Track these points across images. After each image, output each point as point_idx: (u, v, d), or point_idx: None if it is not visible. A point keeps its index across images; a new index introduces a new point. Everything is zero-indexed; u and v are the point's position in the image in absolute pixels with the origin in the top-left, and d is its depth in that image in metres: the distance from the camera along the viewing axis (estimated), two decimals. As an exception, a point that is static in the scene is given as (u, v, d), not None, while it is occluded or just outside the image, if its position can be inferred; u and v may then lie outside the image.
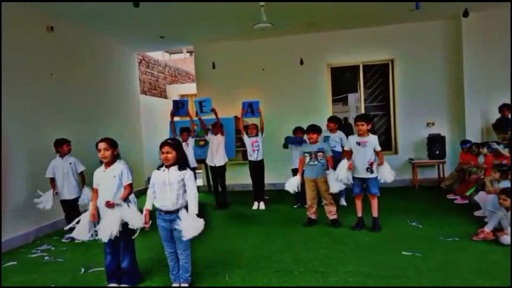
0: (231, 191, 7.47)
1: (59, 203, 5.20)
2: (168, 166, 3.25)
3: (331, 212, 5.15)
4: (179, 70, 13.31)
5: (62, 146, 5.14)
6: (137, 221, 3.26)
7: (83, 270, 3.99)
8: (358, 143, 4.74)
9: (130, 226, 3.28)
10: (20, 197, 5.12)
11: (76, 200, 5.20)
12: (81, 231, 3.43)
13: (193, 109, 7.15)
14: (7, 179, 4.93)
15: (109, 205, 3.28)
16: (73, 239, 5.01)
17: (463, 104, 7.31)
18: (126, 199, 3.39)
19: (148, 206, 3.34)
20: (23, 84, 5.32)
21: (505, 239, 4.08)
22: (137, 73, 9.12)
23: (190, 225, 3.12)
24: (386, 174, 4.77)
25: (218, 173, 6.65)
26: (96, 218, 3.44)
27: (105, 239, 3.28)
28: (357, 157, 4.77)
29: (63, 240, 5.11)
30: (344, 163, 4.81)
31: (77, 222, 3.46)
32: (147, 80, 10.70)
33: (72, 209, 5.18)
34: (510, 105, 6.67)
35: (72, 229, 5.07)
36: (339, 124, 6.30)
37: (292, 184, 5.15)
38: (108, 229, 3.26)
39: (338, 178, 4.83)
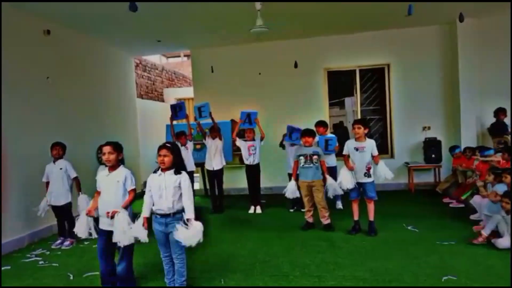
0: (227, 195, 7.46)
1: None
2: (164, 170, 3.24)
3: (325, 217, 5.17)
4: (176, 74, 13.31)
5: (52, 150, 5.03)
6: (125, 238, 3.23)
7: (72, 276, 3.95)
8: (356, 149, 4.76)
9: (114, 240, 3.24)
10: (14, 201, 5.08)
11: (66, 206, 5.06)
12: (79, 228, 3.44)
13: (192, 114, 7.14)
14: (2, 183, 4.89)
15: (109, 214, 3.25)
16: (62, 244, 5.03)
17: (458, 108, 7.34)
18: (128, 206, 3.37)
19: (145, 213, 3.28)
20: (19, 88, 5.29)
21: (500, 242, 4.09)
22: (134, 77, 9.11)
23: (188, 234, 3.10)
24: (385, 172, 4.75)
25: (215, 176, 6.64)
26: (93, 213, 3.40)
27: (123, 243, 3.24)
28: (355, 161, 4.78)
29: (52, 246, 5.03)
30: (344, 170, 4.82)
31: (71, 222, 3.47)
32: (144, 83, 10.69)
33: (63, 215, 5.09)
34: (505, 110, 6.72)
35: (62, 234, 5.09)
36: (327, 128, 6.28)
37: (291, 190, 5.26)
38: (123, 235, 3.24)
39: (343, 186, 4.83)
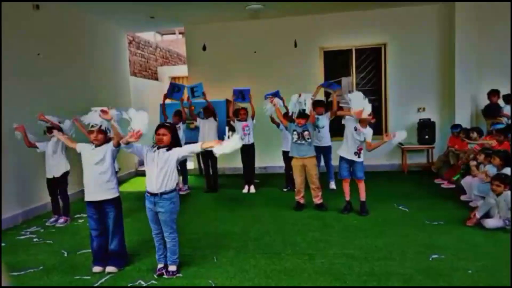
0: (221, 175, 7.49)
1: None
2: (159, 148, 3.28)
3: (317, 197, 5.23)
4: (170, 52, 13.11)
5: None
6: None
7: (66, 253, 3.99)
8: (356, 128, 4.81)
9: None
10: (8, 178, 5.07)
11: (62, 176, 5.05)
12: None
13: (185, 94, 7.07)
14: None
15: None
16: (56, 221, 5.05)
17: (453, 90, 7.32)
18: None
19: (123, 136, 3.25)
20: (8, 64, 5.18)
21: (488, 223, 4.17)
22: (127, 54, 8.96)
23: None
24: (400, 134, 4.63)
25: (210, 156, 6.64)
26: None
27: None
28: (349, 139, 4.86)
29: (47, 224, 5.06)
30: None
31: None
32: (137, 61, 10.53)
33: (58, 187, 5.07)
34: (498, 91, 6.73)
35: (56, 212, 5.08)
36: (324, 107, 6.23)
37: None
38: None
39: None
